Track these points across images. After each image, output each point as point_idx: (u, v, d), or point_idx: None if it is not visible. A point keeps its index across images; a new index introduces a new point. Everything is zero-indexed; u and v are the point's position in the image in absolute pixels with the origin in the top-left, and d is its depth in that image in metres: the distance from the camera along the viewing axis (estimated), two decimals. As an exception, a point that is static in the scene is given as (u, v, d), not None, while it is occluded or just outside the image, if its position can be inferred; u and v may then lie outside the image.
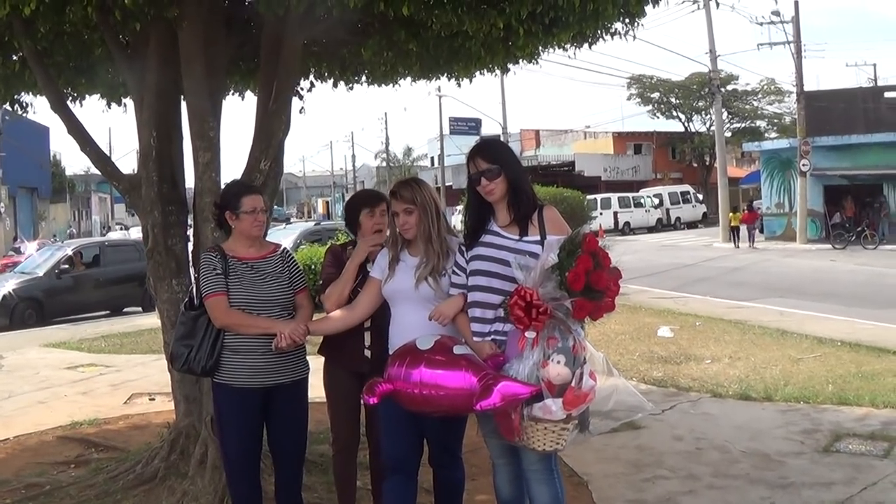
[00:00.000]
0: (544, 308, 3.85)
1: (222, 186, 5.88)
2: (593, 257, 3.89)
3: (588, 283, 3.84)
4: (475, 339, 4.21)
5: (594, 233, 4.11)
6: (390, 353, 4.40)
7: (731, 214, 37.99)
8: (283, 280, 4.76)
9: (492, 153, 4.34)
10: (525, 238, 4.18)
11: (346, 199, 5.74)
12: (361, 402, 4.89)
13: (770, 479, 6.20)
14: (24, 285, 19.34)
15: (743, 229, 36.01)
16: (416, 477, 4.49)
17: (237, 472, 4.73)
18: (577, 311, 3.89)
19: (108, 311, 19.57)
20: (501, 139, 27.56)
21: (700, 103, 57.38)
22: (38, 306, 19.22)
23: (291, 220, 61.01)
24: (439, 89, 52.86)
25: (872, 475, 6.19)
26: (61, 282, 19.59)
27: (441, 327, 4.29)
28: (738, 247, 34.41)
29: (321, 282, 5.03)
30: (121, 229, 54.36)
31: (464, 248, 4.37)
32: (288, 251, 4.98)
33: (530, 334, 3.91)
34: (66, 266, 19.93)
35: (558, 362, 3.85)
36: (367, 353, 4.88)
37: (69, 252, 20.49)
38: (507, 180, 4.25)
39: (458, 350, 4.06)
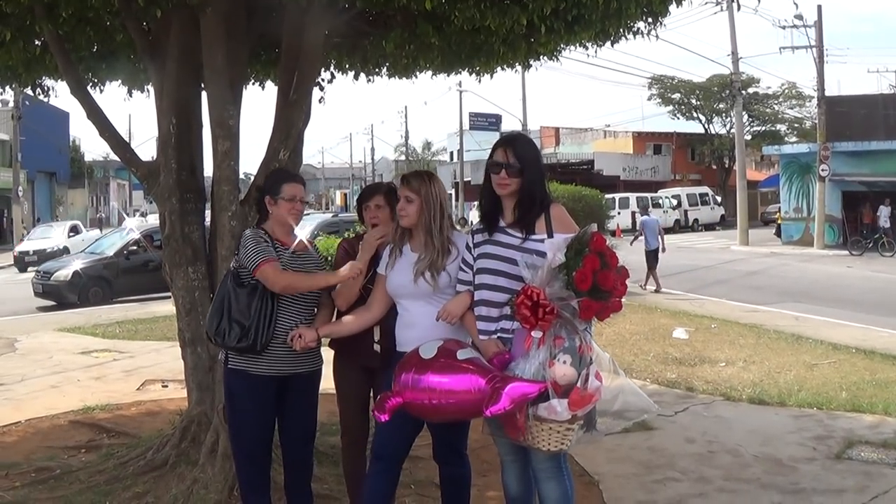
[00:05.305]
0: (551, 308, 3.84)
1: (240, 176, 5.91)
2: (600, 257, 3.88)
3: (595, 282, 3.83)
4: (481, 337, 4.21)
5: (611, 232, 4.09)
6: (397, 347, 4.43)
7: (778, 214, 39.60)
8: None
9: (521, 151, 4.26)
10: (532, 237, 4.16)
11: None
12: (371, 395, 4.90)
13: (781, 485, 6.17)
14: (92, 265, 20.37)
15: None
16: (399, 468, 4.48)
17: (247, 459, 4.74)
18: (584, 311, 3.87)
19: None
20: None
21: (721, 105, 57.13)
22: (107, 285, 20.19)
23: None
24: (460, 84, 52.81)
25: (884, 483, 6.15)
26: (129, 263, 20.34)
27: (449, 325, 4.29)
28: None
29: None
30: (140, 216, 54.39)
31: (471, 246, 4.35)
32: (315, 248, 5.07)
33: (536, 334, 3.90)
34: (135, 248, 20.62)
35: (564, 362, 3.83)
36: (377, 347, 4.86)
37: (139, 235, 21.23)
38: (522, 183, 4.22)
39: (461, 355, 4.04)
